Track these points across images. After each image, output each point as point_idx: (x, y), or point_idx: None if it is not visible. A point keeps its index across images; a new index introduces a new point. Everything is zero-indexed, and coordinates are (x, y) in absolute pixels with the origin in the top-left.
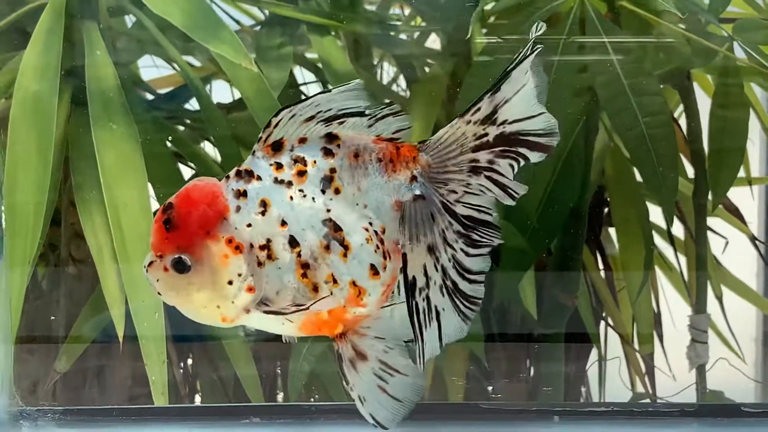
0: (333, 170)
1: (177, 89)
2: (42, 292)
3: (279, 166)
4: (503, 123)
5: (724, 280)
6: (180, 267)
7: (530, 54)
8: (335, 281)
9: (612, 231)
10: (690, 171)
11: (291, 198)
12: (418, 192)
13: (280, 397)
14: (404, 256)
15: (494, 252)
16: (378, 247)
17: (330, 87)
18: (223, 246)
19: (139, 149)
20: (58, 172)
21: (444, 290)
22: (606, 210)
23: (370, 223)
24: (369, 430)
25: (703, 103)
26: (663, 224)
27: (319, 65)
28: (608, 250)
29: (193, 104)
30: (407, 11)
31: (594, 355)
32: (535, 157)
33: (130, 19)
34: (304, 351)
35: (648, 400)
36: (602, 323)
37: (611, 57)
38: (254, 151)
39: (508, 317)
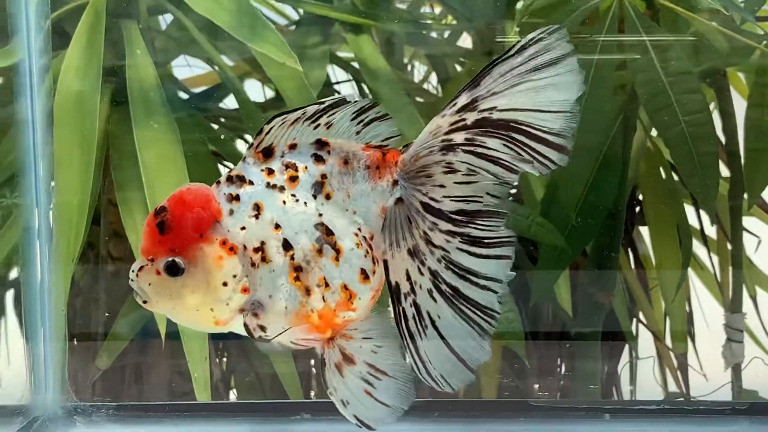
0: (324, 176)
1: (211, 88)
2: (81, 290)
3: (270, 172)
4: (489, 110)
5: (758, 279)
6: (173, 270)
7: (530, 46)
8: (327, 284)
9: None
10: (724, 170)
11: (284, 202)
12: (398, 195)
13: (312, 394)
14: (385, 262)
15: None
16: (368, 252)
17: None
18: (217, 248)
19: (179, 148)
20: (99, 171)
21: (437, 295)
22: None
23: (359, 229)
24: (418, 426)
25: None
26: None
27: (354, 64)
28: (640, 249)
29: (226, 103)
30: (438, 10)
31: (625, 353)
32: (543, 149)
33: (163, 20)
34: None
35: (681, 399)
36: (631, 322)
37: (651, 54)
38: (245, 158)
39: (544, 316)
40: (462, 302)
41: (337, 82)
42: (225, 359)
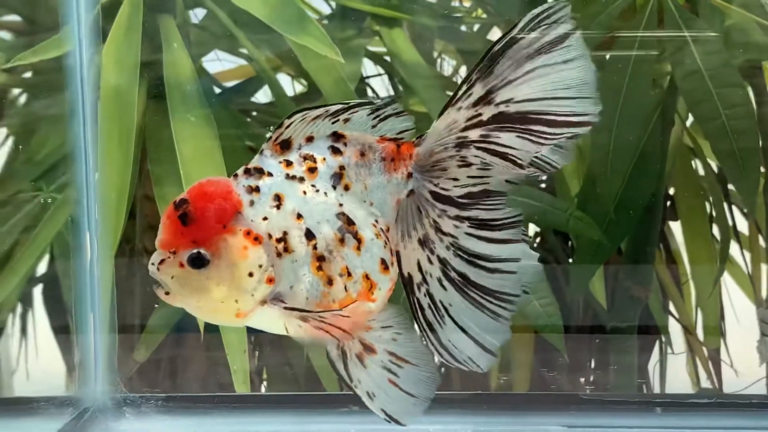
0: (342, 167)
1: (243, 82)
2: (117, 283)
3: (288, 163)
4: (505, 102)
5: None
6: (198, 262)
7: (536, 29)
8: (349, 274)
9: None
10: None
11: (304, 193)
12: (410, 187)
13: None
14: (397, 254)
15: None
16: (386, 243)
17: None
18: (241, 238)
19: (217, 142)
20: (136, 166)
21: (446, 282)
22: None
23: (377, 221)
24: (468, 419)
25: None
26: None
27: (386, 57)
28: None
29: (257, 97)
30: (467, 3)
31: (656, 348)
32: (561, 131)
33: (193, 14)
34: None
35: (728, 394)
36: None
37: (691, 48)
38: (262, 150)
39: (577, 309)
40: (471, 289)
41: (369, 77)
42: (257, 352)
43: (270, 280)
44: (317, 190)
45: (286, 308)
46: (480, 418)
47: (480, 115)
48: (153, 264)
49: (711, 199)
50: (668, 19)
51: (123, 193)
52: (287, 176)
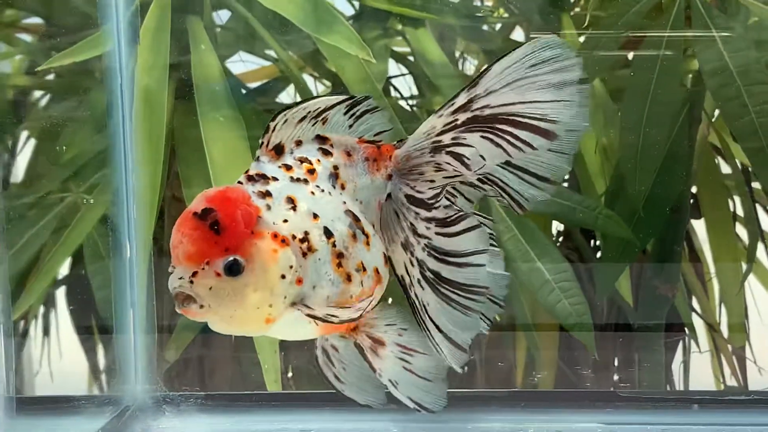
0: (336, 167)
1: (268, 83)
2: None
3: (288, 167)
4: (481, 108)
5: None
6: (235, 269)
7: (539, 64)
8: (364, 269)
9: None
10: None
11: (312, 193)
12: (389, 191)
13: None
14: (389, 259)
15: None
16: (381, 238)
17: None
18: (269, 241)
19: (246, 142)
20: (165, 167)
21: (424, 283)
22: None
23: (366, 218)
24: (507, 416)
25: None
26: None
27: (410, 57)
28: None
29: (281, 98)
30: (489, 3)
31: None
32: (527, 136)
33: (217, 15)
34: None
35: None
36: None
37: (719, 45)
38: (258, 157)
39: (603, 308)
40: (444, 286)
41: (392, 76)
42: (282, 352)
43: (299, 281)
44: (322, 190)
45: (308, 315)
46: (517, 416)
47: (456, 120)
48: (182, 279)
49: (735, 197)
50: (695, 16)
51: (154, 193)
52: (291, 179)
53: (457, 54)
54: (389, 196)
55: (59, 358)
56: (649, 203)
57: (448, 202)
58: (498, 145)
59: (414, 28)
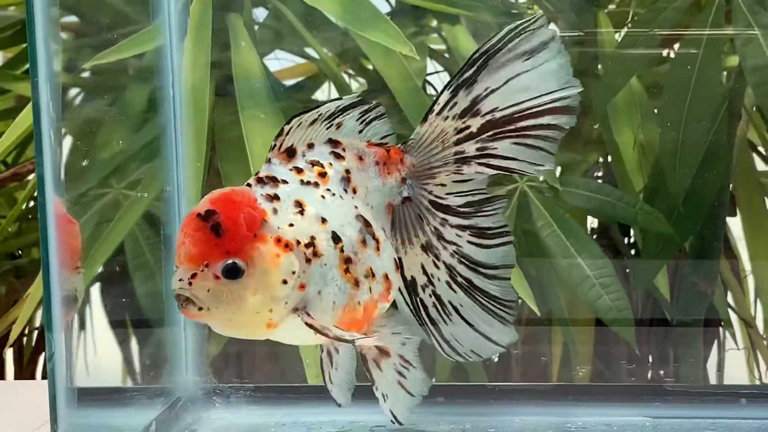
0: (348, 171)
1: (305, 80)
2: None
3: (299, 171)
4: (490, 112)
5: None
6: (234, 272)
7: (516, 39)
8: (373, 275)
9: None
10: None
11: (322, 197)
12: (405, 194)
13: None
14: (399, 260)
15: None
16: (393, 239)
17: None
18: (272, 246)
19: None
20: (207, 163)
21: (456, 286)
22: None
23: (377, 223)
24: (553, 410)
25: None
26: None
27: (445, 55)
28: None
29: (318, 95)
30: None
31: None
32: (550, 119)
33: (255, 13)
34: None
35: None
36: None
37: (760, 40)
38: (269, 159)
39: (639, 303)
40: (477, 293)
41: (429, 74)
42: None
43: (302, 287)
44: (333, 194)
45: (307, 323)
46: (564, 409)
47: (469, 127)
48: (182, 280)
49: None
50: (735, 12)
51: (197, 189)
52: (302, 182)
53: None
54: (407, 199)
55: (94, 353)
56: (688, 200)
57: (494, 210)
58: (532, 146)
59: (451, 24)
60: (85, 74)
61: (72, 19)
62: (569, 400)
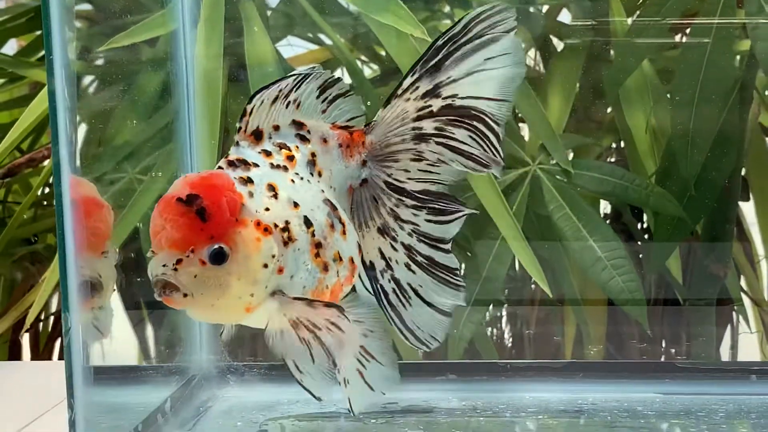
0: (313, 154)
1: (319, 65)
2: None
3: (268, 154)
4: (451, 97)
5: None
6: (220, 257)
7: (477, 27)
8: (340, 258)
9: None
10: None
11: (292, 181)
12: (364, 176)
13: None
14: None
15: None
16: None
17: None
18: (253, 230)
19: None
20: (221, 148)
21: (415, 266)
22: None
23: (341, 206)
24: (564, 386)
25: None
26: None
27: None
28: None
29: None
30: None
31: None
32: (495, 142)
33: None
34: (464, 317)
35: None
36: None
37: None
38: (237, 142)
39: (652, 285)
40: (437, 269)
41: None
42: None
43: (280, 271)
44: (301, 178)
45: (295, 298)
46: (575, 386)
47: (430, 106)
48: (165, 266)
49: None
50: None
51: None
52: (272, 166)
53: None
54: (365, 181)
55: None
56: (700, 182)
57: (450, 202)
58: (482, 147)
59: (462, 9)
60: (99, 62)
61: (86, 6)
62: (580, 378)
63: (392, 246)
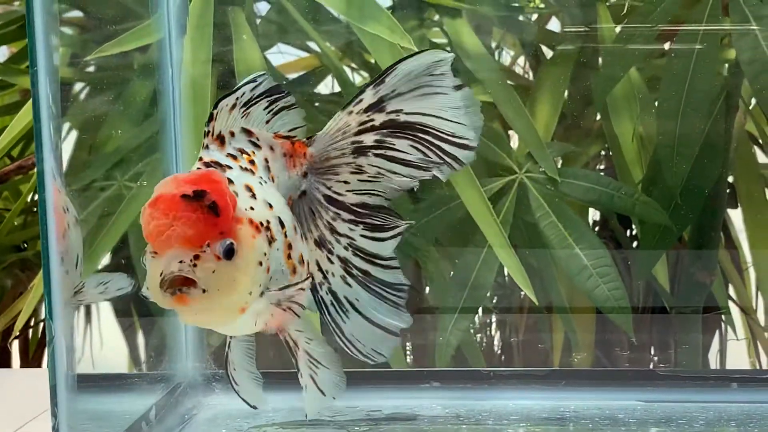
0: (266, 160)
1: (307, 74)
2: None
3: (234, 157)
4: (396, 112)
5: None
6: (231, 252)
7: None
8: (303, 261)
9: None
10: None
11: (260, 183)
12: (304, 188)
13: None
14: None
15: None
16: None
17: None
18: (248, 227)
19: None
20: None
21: (351, 279)
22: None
23: None
24: (547, 394)
25: None
26: None
27: (447, 48)
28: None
29: (320, 89)
30: None
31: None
32: (449, 148)
33: (257, 6)
34: (451, 325)
35: None
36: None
37: (756, 32)
38: (206, 145)
39: (640, 293)
40: (373, 283)
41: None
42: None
43: (268, 270)
44: (265, 181)
45: (281, 288)
46: (558, 394)
47: (372, 120)
48: (183, 263)
49: None
50: (733, 5)
51: None
52: (242, 168)
53: (494, 45)
54: (304, 193)
55: (100, 342)
56: (686, 190)
57: (390, 216)
58: (427, 155)
59: (451, 18)
60: (88, 69)
61: (76, 14)
62: (563, 385)
63: (329, 258)
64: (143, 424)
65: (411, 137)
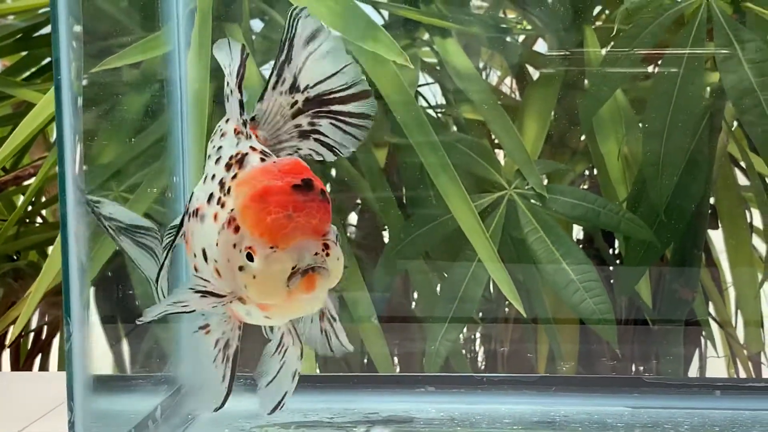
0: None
1: None
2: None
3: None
4: (306, 89)
5: None
6: (338, 237)
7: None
8: None
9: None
10: None
11: None
12: None
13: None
14: None
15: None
16: None
17: None
18: None
19: None
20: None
21: None
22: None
23: None
24: (538, 399)
25: None
26: None
27: (437, 67)
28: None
29: None
30: (511, 15)
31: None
32: (354, 108)
33: (254, 24)
34: (441, 336)
35: None
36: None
37: (740, 56)
38: (249, 135)
39: (623, 308)
40: None
41: (420, 85)
42: None
43: None
44: None
45: None
46: (548, 399)
47: (297, 101)
48: (318, 254)
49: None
50: (717, 29)
51: None
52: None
53: (481, 65)
54: None
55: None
56: (670, 208)
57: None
58: (346, 132)
59: (442, 37)
60: (96, 81)
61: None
62: (553, 391)
63: None
64: (150, 422)
65: (327, 115)
